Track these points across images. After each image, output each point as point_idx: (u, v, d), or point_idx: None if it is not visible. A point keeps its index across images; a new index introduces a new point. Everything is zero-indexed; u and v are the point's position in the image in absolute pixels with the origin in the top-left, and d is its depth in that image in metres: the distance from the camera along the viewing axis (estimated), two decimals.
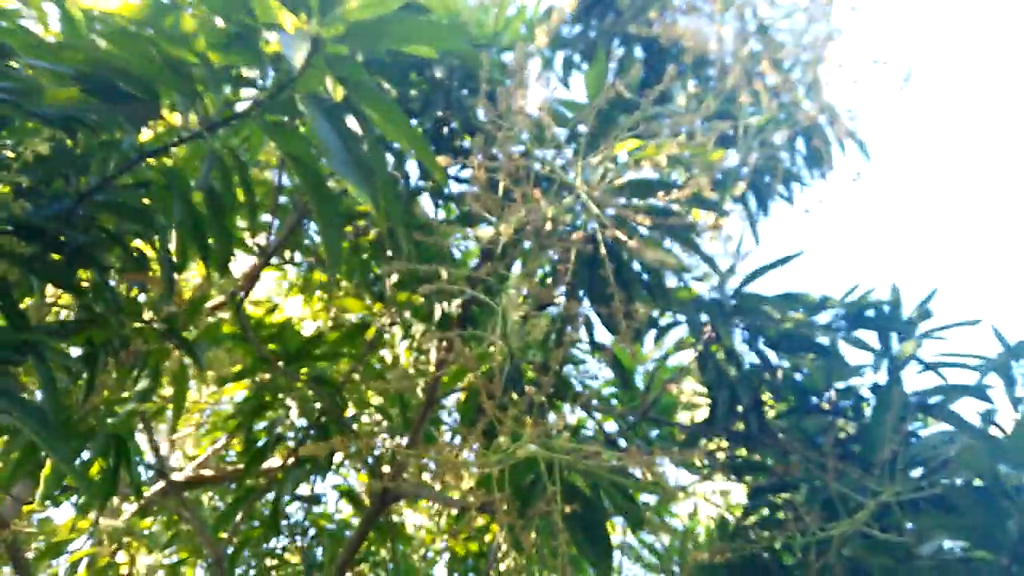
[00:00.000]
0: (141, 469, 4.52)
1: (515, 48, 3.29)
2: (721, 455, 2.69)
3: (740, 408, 2.49)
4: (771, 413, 2.72)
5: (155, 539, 3.58)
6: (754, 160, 2.09)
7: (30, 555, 3.56)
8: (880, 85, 2.07)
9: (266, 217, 3.56)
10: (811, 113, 1.91)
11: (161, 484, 4.35)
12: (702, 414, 3.19)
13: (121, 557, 3.82)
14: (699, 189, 1.96)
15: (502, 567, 4.10)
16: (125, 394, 2.28)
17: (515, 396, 2.10)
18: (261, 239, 3.52)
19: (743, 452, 2.77)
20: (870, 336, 2.67)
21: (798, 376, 2.66)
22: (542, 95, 2.29)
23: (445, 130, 3.22)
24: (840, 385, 2.74)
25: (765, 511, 2.86)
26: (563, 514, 1.77)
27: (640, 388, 2.98)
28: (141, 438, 3.50)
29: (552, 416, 2.15)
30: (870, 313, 2.64)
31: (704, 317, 2.37)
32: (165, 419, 4.31)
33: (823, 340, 2.61)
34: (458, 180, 3.38)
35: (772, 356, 2.56)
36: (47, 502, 2.65)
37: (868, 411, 2.69)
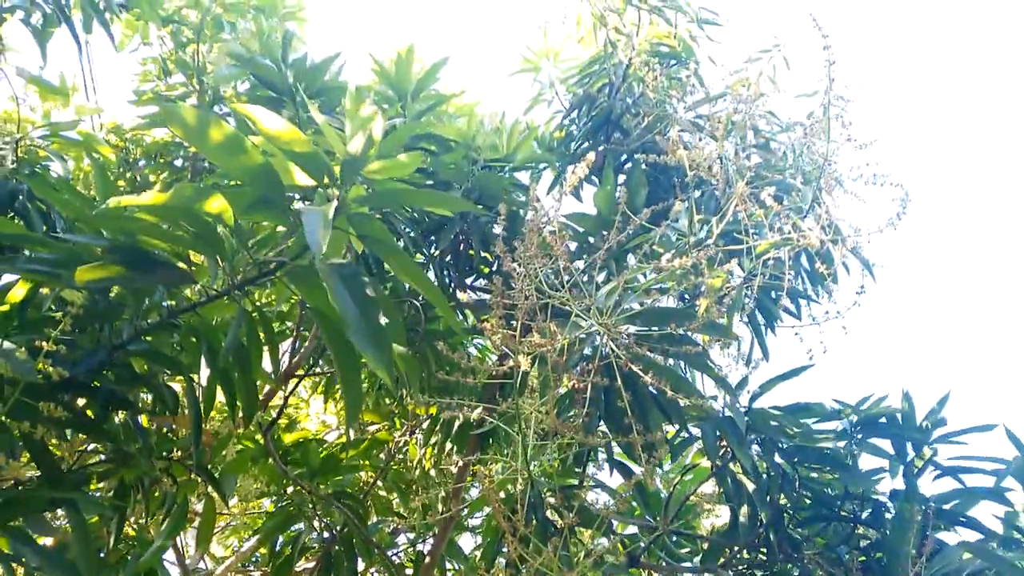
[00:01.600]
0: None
1: (528, 166, 3.44)
2: (743, 567, 2.69)
3: (760, 520, 2.51)
4: (792, 524, 2.74)
5: None
6: (759, 279, 2.16)
7: None
8: (882, 198, 2.16)
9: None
10: (812, 237, 1.99)
11: None
12: (722, 519, 3.20)
13: None
14: (710, 316, 2.03)
15: None
16: (152, 529, 2.34)
17: (536, 526, 2.14)
18: (286, 345, 3.63)
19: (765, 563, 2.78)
20: (885, 443, 2.70)
21: (815, 486, 2.69)
22: (553, 212, 2.39)
23: (462, 246, 3.35)
24: (859, 492, 2.75)
25: None
26: None
27: (659, 495, 3.00)
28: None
29: (575, 545, 2.18)
30: (883, 421, 2.68)
31: (719, 433, 2.42)
32: (191, 527, 4.35)
33: (838, 449, 2.64)
34: (476, 290, 3.49)
35: (788, 467, 2.59)
36: None
37: (888, 519, 2.70)
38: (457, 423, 3.42)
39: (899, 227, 2.23)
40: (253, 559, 5.39)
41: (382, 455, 3.65)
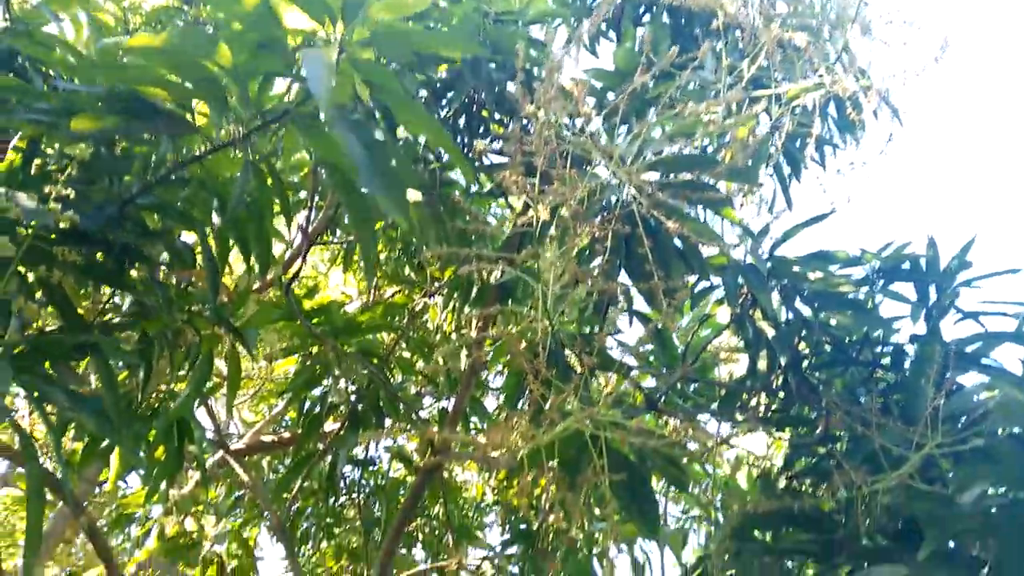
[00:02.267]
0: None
1: (541, 21, 3.27)
2: (760, 411, 2.74)
3: (779, 365, 2.53)
4: (811, 368, 2.76)
5: (220, 508, 3.77)
6: (786, 126, 2.08)
7: (102, 523, 3.78)
8: (914, 45, 2.04)
9: (303, 193, 3.63)
10: (843, 82, 1.89)
11: (221, 453, 4.57)
12: (740, 369, 3.23)
13: (189, 524, 4.04)
14: (734, 163, 1.97)
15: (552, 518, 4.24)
16: (181, 383, 2.39)
17: (557, 371, 2.16)
18: (301, 217, 3.60)
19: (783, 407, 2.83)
20: (907, 289, 2.68)
21: (836, 332, 2.69)
22: (572, 68, 2.29)
23: (475, 108, 3.24)
24: (878, 337, 2.76)
25: (807, 462, 2.92)
26: (610, 483, 1.84)
27: (677, 346, 3.03)
28: (200, 409, 3.67)
29: (594, 388, 2.21)
30: (906, 266, 2.64)
31: (740, 281, 2.40)
32: (220, 395, 4.49)
33: (859, 295, 2.62)
34: (493, 152, 3.41)
35: (808, 313, 2.59)
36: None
37: (908, 363, 2.71)
38: (476, 285, 3.43)
39: (929, 73, 2.12)
40: (283, 423, 5.61)
41: (403, 319, 3.68)
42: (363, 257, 1.85)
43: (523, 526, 4.69)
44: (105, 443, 2.30)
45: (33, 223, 1.45)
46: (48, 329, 1.79)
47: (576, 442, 2.07)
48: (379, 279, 3.86)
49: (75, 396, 1.60)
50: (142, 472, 3.59)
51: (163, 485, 2.38)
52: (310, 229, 3.44)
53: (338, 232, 4.17)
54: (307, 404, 3.54)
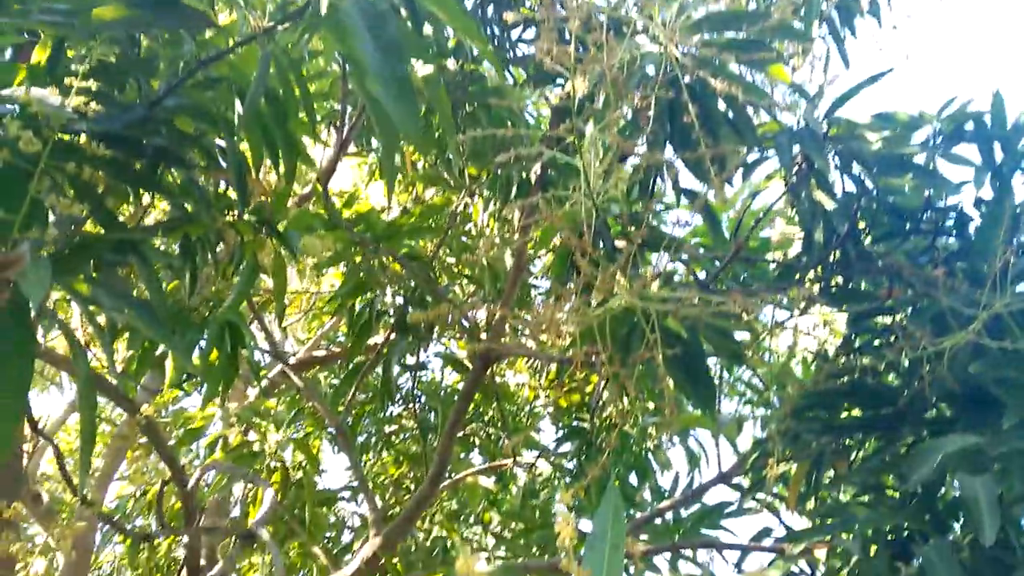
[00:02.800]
0: (259, 355, 4.83)
1: None
2: (818, 287, 2.65)
3: (836, 237, 2.42)
4: (869, 240, 2.65)
5: (280, 417, 3.85)
6: None
7: (171, 442, 3.91)
8: None
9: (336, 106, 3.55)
10: None
11: (279, 367, 4.65)
12: (796, 250, 3.13)
13: (252, 437, 4.15)
14: (784, 18, 1.84)
15: (605, 414, 4.26)
16: (229, 293, 2.39)
17: (604, 251, 2.10)
18: (334, 131, 3.54)
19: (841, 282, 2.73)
20: (971, 151, 2.52)
21: (896, 199, 2.56)
22: None
23: None
24: (941, 203, 2.63)
25: (867, 336, 2.84)
26: (664, 359, 1.80)
27: (728, 234, 2.94)
28: (254, 329, 3.71)
29: (644, 266, 2.15)
30: (970, 126, 2.48)
31: (794, 148, 2.28)
32: (272, 310, 4.54)
33: (920, 159, 2.48)
34: (524, 42, 3.26)
35: (867, 180, 2.46)
36: (175, 389, 2.83)
37: (972, 229, 2.58)
38: (516, 181, 3.35)
39: None
40: (336, 339, 5.69)
41: (443, 222, 3.63)
42: (384, 159, 1.78)
43: (576, 423, 4.74)
44: (159, 350, 2.33)
45: (58, 118, 1.41)
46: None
47: (626, 321, 2.03)
48: (415, 180, 3.80)
49: (121, 296, 1.59)
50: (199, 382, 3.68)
51: (220, 392, 2.41)
52: (344, 135, 3.37)
53: (374, 143, 4.10)
54: (355, 313, 3.55)
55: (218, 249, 2.18)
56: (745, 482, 3.44)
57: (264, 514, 2.28)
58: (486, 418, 5.21)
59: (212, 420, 3.78)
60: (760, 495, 3.34)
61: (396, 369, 4.52)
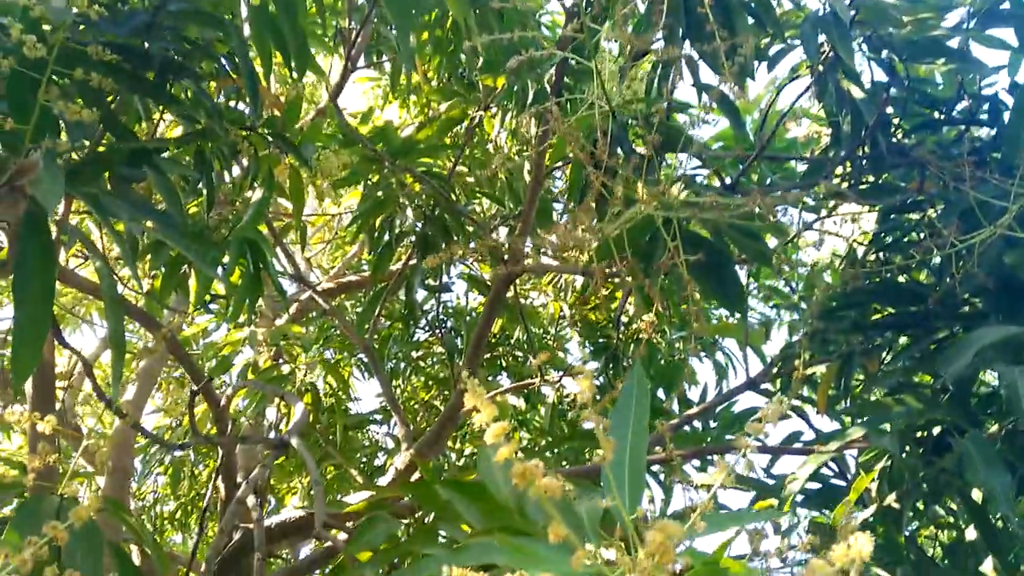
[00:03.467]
0: (286, 283, 4.87)
1: None
2: (846, 184, 2.59)
3: (865, 129, 2.35)
4: (899, 132, 2.57)
5: (308, 340, 3.89)
6: None
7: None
8: None
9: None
10: None
11: (306, 295, 4.69)
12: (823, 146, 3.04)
13: (282, 366, 4.22)
14: None
15: (631, 328, 4.26)
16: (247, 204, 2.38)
17: (622, 155, 2.05)
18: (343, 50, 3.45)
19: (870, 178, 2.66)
20: (1007, 33, 2.41)
21: (926, 86, 2.46)
22: None
23: None
24: (973, 90, 2.53)
25: (897, 234, 2.79)
26: (688, 264, 1.77)
27: (753, 135, 2.86)
28: (278, 257, 3.73)
29: (665, 171, 2.10)
30: (1005, 5, 2.36)
31: (820, 35, 2.18)
32: (296, 241, 4.56)
33: (953, 43, 2.37)
34: None
35: (897, 68, 2.37)
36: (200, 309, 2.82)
37: (1006, 116, 2.49)
38: (531, 90, 3.27)
39: None
40: (360, 268, 5.70)
41: (460, 138, 3.58)
42: (400, 47, 1.73)
43: (602, 341, 4.75)
44: (183, 269, 2.34)
45: (62, 22, 1.38)
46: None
47: (648, 228, 1.99)
48: (429, 97, 3.73)
49: (139, 207, 1.59)
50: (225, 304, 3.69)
51: (245, 310, 2.42)
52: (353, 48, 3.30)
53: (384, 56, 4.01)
54: (376, 234, 3.54)
55: (233, 166, 2.16)
56: (774, 388, 3.43)
57: (295, 424, 2.32)
58: (512, 340, 5.24)
59: (241, 344, 3.83)
60: (789, 400, 3.34)
61: (421, 293, 4.55)
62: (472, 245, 4.71)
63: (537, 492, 0.74)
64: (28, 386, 2.40)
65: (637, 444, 1.10)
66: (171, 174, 1.78)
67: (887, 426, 2.06)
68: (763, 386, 3.33)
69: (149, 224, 1.59)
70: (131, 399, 4.11)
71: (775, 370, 3.31)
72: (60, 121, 1.59)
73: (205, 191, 2.13)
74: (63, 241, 1.67)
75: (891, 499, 2.06)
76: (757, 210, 1.96)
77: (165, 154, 2.00)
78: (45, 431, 1.47)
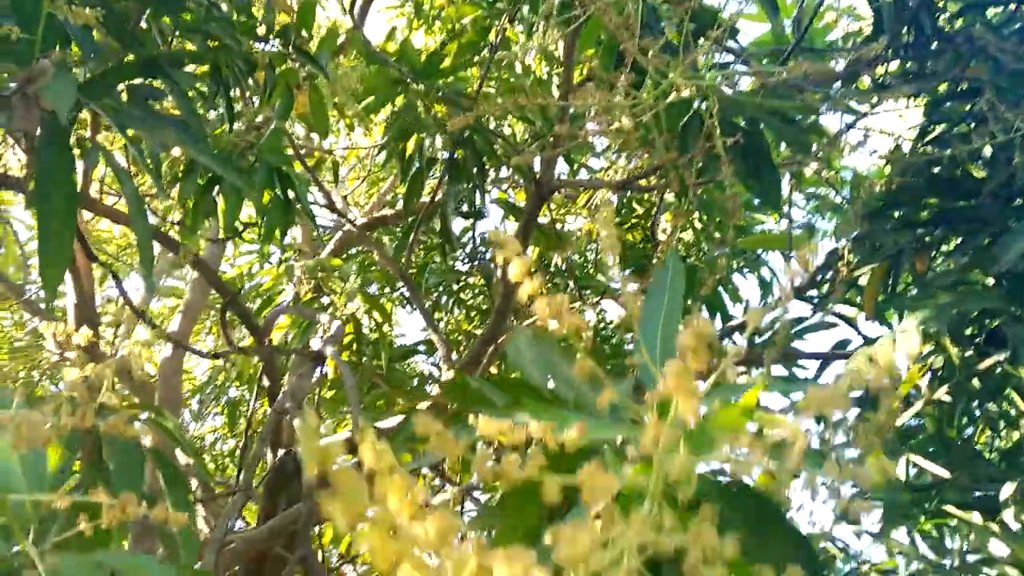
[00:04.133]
0: (324, 222, 4.88)
1: None
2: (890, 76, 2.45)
3: (909, 9, 2.21)
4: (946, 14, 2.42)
5: (346, 270, 3.90)
6: None
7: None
8: None
9: None
10: None
11: (341, 231, 4.70)
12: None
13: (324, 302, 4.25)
14: None
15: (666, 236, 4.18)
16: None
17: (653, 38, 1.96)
18: None
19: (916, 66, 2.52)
20: None
21: None
22: None
23: None
24: None
25: (945, 125, 2.65)
26: (725, 146, 1.69)
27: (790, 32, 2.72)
28: (313, 194, 3.72)
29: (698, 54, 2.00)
30: None
31: None
32: (326, 171, 4.54)
33: None
34: None
35: None
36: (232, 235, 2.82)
37: None
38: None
39: None
40: (396, 202, 5.69)
41: (484, 51, 3.47)
42: None
43: (642, 261, 4.68)
44: (214, 191, 2.33)
45: None
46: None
47: (683, 112, 1.91)
48: (456, 11, 3.62)
49: (156, 115, 1.57)
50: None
51: (277, 234, 2.41)
52: None
53: None
54: (406, 160, 3.49)
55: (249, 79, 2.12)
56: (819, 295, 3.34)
57: (331, 336, 2.34)
58: (551, 266, 5.21)
59: (282, 281, 3.87)
60: (836, 307, 3.25)
61: (457, 224, 4.52)
62: (505, 172, 4.66)
63: (567, 327, 0.71)
64: (71, 320, 2.45)
65: (671, 313, 1.05)
66: (186, 87, 1.75)
67: (939, 315, 1.98)
68: (808, 293, 3.25)
69: (169, 136, 1.56)
70: (175, 330, 4.18)
71: (820, 278, 3.22)
72: (70, 35, 1.57)
73: (225, 111, 2.10)
74: (85, 153, 1.65)
75: (942, 392, 2.00)
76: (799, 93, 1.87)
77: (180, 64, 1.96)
78: (81, 344, 1.48)
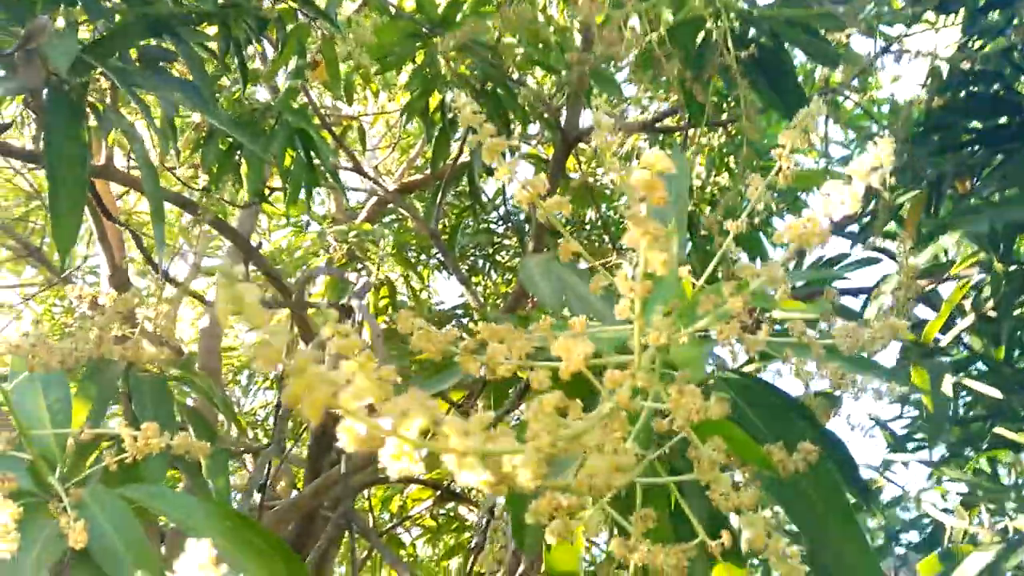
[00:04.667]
0: (354, 194, 4.89)
1: None
2: None
3: None
4: None
5: (378, 232, 3.91)
6: None
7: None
8: None
9: None
10: None
11: (372, 200, 4.71)
12: None
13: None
14: None
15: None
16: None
17: None
18: None
19: None
20: None
21: None
22: None
23: None
24: None
25: (986, 39, 2.53)
26: (740, 60, 1.63)
27: None
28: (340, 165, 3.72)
29: None
30: None
31: None
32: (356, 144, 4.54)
33: None
34: None
35: None
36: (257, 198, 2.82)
37: None
38: None
39: None
40: (425, 168, 5.68)
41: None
42: None
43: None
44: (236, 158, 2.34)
45: None
46: None
47: (697, 29, 1.84)
48: None
49: (164, 76, 1.57)
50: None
51: (301, 196, 2.42)
52: None
53: None
54: (430, 118, 3.46)
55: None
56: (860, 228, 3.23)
57: (359, 289, 2.33)
58: (586, 222, 5.16)
59: (317, 248, 3.89)
60: (879, 242, 3.15)
61: (491, 188, 4.48)
62: (534, 130, 4.59)
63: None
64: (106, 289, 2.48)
65: (679, 205, 1.03)
66: (194, 43, 1.75)
67: (986, 227, 1.90)
68: (848, 229, 3.15)
69: (177, 96, 1.56)
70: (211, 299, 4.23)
71: (860, 211, 3.12)
72: None
73: (239, 71, 2.09)
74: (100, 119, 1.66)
75: (988, 308, 1.92)
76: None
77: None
78: (108, 303, 1.49)
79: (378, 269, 3.76)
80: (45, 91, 1.38)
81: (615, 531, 0.97)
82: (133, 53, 1.64)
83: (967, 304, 2.01)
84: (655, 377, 0.82)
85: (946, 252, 2.61)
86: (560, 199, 0.87)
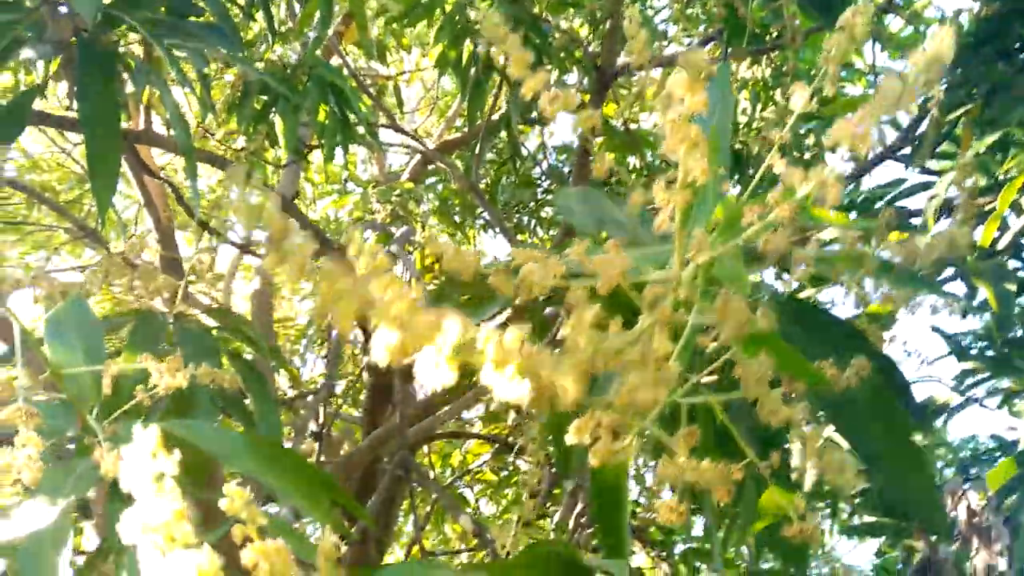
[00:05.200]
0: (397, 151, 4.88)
1: None
2: None
3: None
4: None
5: (419, 194, 3.90)
6: None
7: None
8: None
9: None
10: None
11: (414, 162, 4.71)
12: None
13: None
14: None
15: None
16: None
17: None
18: None
19: None
20: None
21: None
22: None
23: None
24: None
25: None
26: None
27: None
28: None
29: None
30: None
31: None
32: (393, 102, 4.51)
33: None
34: None
35: None
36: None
37: None
38: None
39: None
40: (464, 128, 5.64)
41: None
42: None
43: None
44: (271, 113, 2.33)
45: None
46: None
47: None
48: None
49: (194, 25, 1.56)
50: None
51: (336, 152, 2.41)
52: None
53: None
54: (463, 70, 3.41)
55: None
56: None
57: (399, 236, 2.33)
58: (630, 169, 5.06)
59: (360, 210, 3.90)
60: (932, 164, 3.02)
61: (532, 143, 4.42)
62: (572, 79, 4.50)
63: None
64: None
65: (721, 125, 0.98)
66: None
67: None
68: (901, 152, 3.03)
69: (208, 46, 1.56)
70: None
71: (912, 134, 3.00)
72: None
73: (265, 23, 2.08)
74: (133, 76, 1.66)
75: None
76: None
77: None
78: (145, 261, 1.51)
79: (423, 228, 3.76)
80: (76, 47, 1.39)
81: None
82: (162, 9, 1.64)
83: None
84: (697, 291, 0.79)
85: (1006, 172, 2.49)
86: (592, 112, 0.84)
